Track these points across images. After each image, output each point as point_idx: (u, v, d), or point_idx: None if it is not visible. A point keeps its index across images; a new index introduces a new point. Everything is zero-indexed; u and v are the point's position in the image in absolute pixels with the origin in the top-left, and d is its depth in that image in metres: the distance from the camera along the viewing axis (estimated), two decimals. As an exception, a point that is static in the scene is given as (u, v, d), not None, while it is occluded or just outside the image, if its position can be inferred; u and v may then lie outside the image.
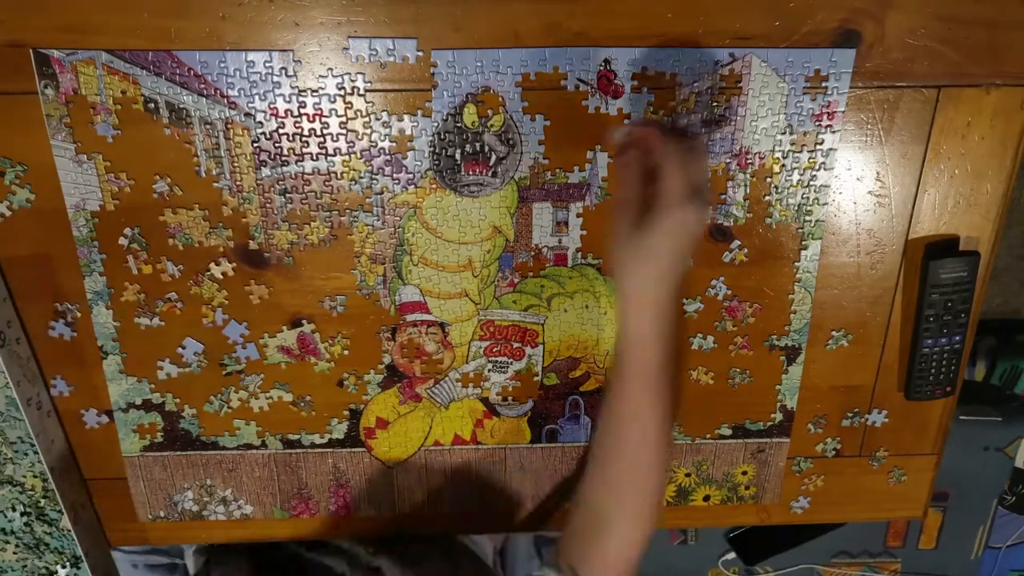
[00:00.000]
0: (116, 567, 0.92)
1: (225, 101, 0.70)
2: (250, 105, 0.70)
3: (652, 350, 0.66)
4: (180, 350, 0.80)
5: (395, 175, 0.73)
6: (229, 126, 0.71)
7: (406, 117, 0.71)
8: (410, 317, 0.80)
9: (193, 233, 0.75)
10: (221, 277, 0.76)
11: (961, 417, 1.38)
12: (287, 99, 0.70)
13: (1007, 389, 1.57)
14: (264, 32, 0.67)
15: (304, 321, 0.79)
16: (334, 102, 0.70)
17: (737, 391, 0.85)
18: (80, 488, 0.86)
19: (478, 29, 0.68)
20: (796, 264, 0.79)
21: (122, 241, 0.74)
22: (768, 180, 0.75)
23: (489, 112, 0.71)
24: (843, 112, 0.73)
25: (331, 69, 0.69)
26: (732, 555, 1.53)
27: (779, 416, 0.87)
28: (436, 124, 0.71)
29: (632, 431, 0.68)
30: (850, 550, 1.55)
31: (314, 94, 0.70)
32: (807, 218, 0.77)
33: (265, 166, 0.72)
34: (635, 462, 0.69)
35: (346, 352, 0.80)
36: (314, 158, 0.72)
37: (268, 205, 0.74)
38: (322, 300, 0.78)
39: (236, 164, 0.72)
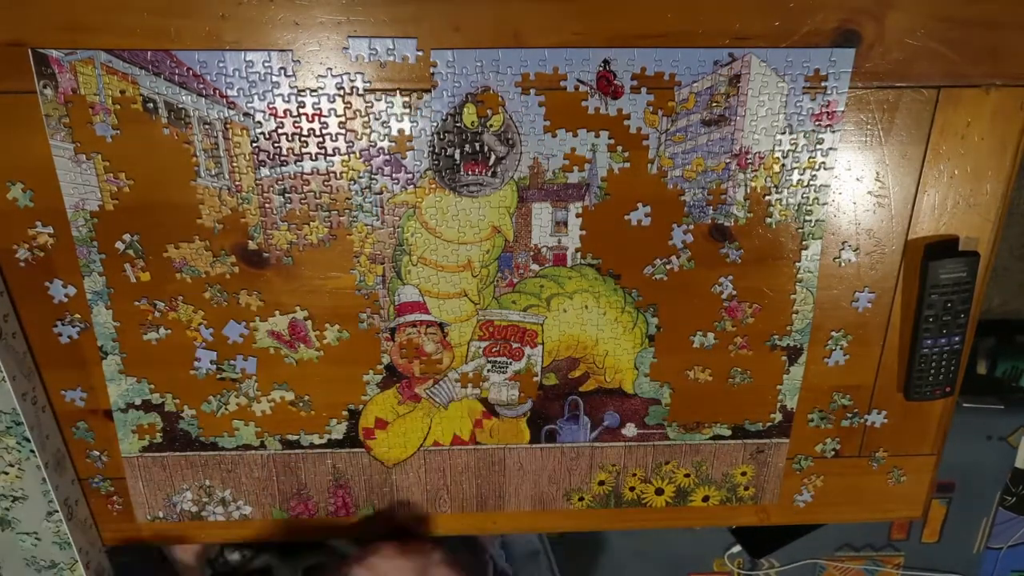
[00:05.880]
0: (110, 565, 0.92)
1: (224, 101, 0.70)
2: (249, 105, 0.70)
3: None
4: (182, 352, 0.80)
5: (394, 175, 0.73)
6: (228, 126, 0.71)
7: (405, 117, 0.71)
8: (409, 317, 0.80)
9: (198, 264, 0.75)
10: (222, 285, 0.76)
11: (964, 405, 1.39)
12: (286, 99, 0.70)
13: (1011, 383, 1.57)
14: (264, 31, 0.67)
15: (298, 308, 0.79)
16: (333, 102, 0.70)
17: (736, 391, 0.85)
18: (74, 485, 0.86)
19: (478, 29, 0.68)
20: (797, 264, 0.79)
21: (119, 246, 0.74)
22: (768, 180, 0.75)
23: (489, 112, 0.71)
24: (843, 112, 0.73)
25: (330, 69, 0.69)
26: (738, 547, 1.53)
27: (778, 416, 0.87)
28: (435, 124, 0.71)
29: None
30: (854, 543, 1.55)
31: (313, 94, 0.70)
32: (807, 218, 0.77)
33: (264, 166, 0.72)
34: None
35: (338, 342, 0.80)
36: (313, 158, 0.72)
37: (267, 205, 0.74)
38: (321, 300, 0.78)
39: (235, 164, 0.72)
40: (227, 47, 0.68)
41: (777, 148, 0.74)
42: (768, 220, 0.77)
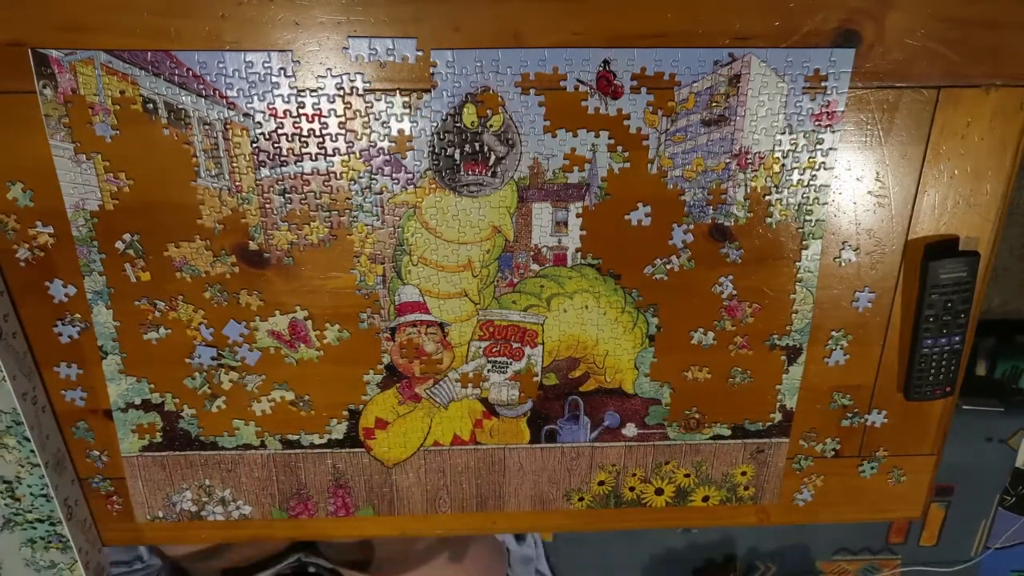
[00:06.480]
0: (108, 564, 0.92)
1: (224, 101, 0.70)
2: (249, 105, 0.70)
3: None
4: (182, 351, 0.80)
5: (394, 175, 0.73)
6: (228, 126, 0.71)
7: (405, 117, 0.71)
8: (409, 317, 0.80)
9: (198, 264, 0.75)
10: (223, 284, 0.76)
11: (964, 407, 1.39)
12: (286, 99, 0.70)
13: (1011, 383, 1.57)
14: (264, 31, 0.67)
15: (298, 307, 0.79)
16: (333, 102, 0.70)
17: (736, 391, 0.85)
18: (74, 485, 0.86)
19: (478, 29, 0.68)
20: (797, 264, 0.79)
21: (119, 246, 0.74)
22: (768, 180, 0.75)
23: (488, 112, 0.71)
24: (843, 112, 0.73)
25: (330, 69, 0.69)
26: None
27: (778, 416, 0.87)
28: (435, 124, 0.71)
29: None
30: (851, 547, 1.55)
31: (313, 94, 0.70)
32: (807, 218, 0.77)
33: (264, 166, 0.72)
34: None
35: (339, 342, 0.81)
36: (313, 158, 0.72)
37: (267, 205, 0.74)
38: (321, 300, 0.78)
39: (235, 164, 0.72)
40: (227, 47, 0.68)
41: (777, 148, 0.74)
42: (768, 220, 0.77)
